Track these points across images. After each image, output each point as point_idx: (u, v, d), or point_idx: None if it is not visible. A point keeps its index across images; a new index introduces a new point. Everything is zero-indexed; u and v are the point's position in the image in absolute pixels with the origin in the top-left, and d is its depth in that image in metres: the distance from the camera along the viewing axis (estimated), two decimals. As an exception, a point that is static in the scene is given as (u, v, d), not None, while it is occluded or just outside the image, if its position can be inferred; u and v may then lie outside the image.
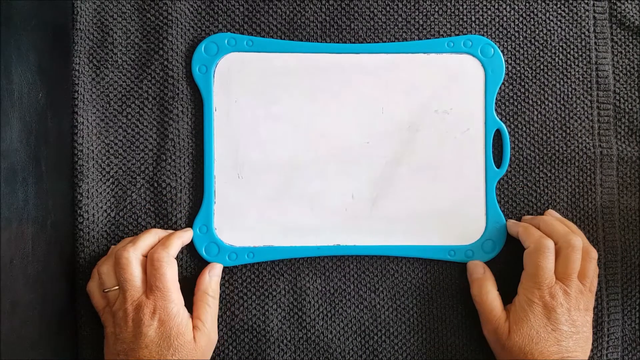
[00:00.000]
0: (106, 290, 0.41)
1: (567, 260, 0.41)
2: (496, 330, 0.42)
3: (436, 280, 0.45)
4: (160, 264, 0.40)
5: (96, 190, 0.44)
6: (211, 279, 0.43)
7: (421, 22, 0.46)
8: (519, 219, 0.46)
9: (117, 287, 0.41)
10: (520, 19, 0.47)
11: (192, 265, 0.45)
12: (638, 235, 0.46)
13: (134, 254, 0.40)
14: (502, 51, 0.46)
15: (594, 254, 0.43)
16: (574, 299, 0.41)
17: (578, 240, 0.42)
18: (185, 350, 0.39)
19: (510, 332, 0.41)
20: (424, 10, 0.46)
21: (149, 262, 0.40)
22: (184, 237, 0.43)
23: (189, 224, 0.45)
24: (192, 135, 0.45)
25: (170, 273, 0.40)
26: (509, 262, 0.45)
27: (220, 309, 0.45)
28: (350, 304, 0.45)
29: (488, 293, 0.43)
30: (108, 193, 0.45)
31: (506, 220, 0.45)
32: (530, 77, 0.46)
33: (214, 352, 0.44)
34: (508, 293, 0.46)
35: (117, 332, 0.39)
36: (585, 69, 0.47)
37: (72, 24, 0.45)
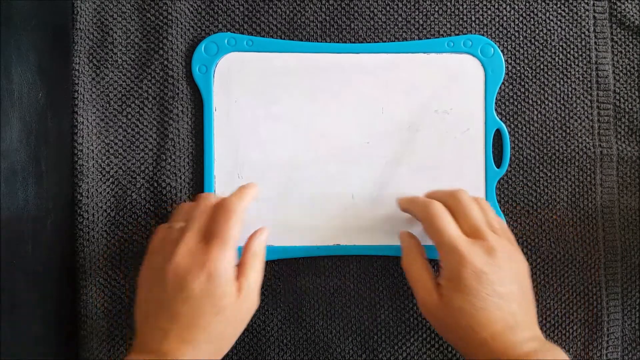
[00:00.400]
0: (169, 226, 0.38)
1: (465, 213, 0.38)
2: (425, 302, 0.38)
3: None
4: (232, 214, 0.36)
5: (96, 190, 0.44)
6: (260, 243, 0.39)
7: (421, 22, 0.46)
8: (519, 219, 0.46)
9: (181, 224, 0.38)
10: (520, 18, 0.46)
11: (192, 265, 0.45)
12: (638, 235, 0.46)
13: (215, 198, 0.38)
14: (502, 51, 0.46)
15: (483, 201, 0.40)
16: (499, 252, 0.36)
17: (461, 190, 0.39)
18: (227, 313, 0.36)
19: (442, 307, 0.37)
20: (424, 10, 0.46)
21: (220, 209, 0.37)
22: (254, 192, 0.40)
23: (189, 223, 0.45)
24: (192, 135, 0.45)
25: (237, 228, 0.37)
26: (509, 262, 0.46)
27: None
28: (350, 303, 0.45)
29: (414, 262, 0.40)
30: (108, 193, 0.45)
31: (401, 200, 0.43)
32: (530, 77, 0.46)
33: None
34: (508, 293, 0.46)
35: (159, 276, 0.36)
36: (585, 69, 0.47)
37: (72, 23, 0.45)
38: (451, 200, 0.39)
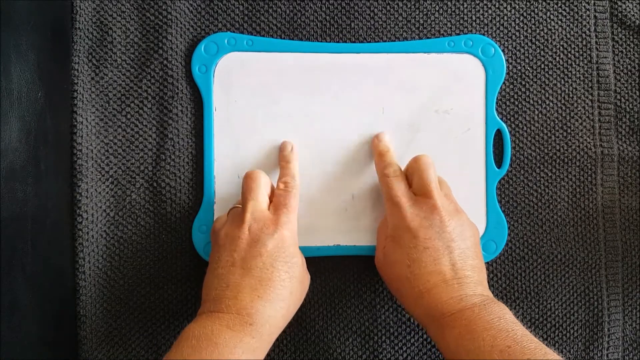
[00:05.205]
0: (232, 208, 0.41)
1: (420, 171, 0.39)
2: (376, 256, 0.41)
3: (436, 280, 0.45)
4: (293, 189, 0.40)
5: (95, 190, 0.44)
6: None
7: (421, 22, 0.46)
8: (520, 219, 0.46)
9: (237, 205, 0.41)
10: (521, 18, 0.46)
11: (191, 265, 0.45)
12: (639, 235, 0.46)
13: (263, 172, 0.41)
14: (503, 50, 0.46)
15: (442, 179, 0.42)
16: (442, 210, 0.38)
17: (425, 155, 0.40)
18: (297, 271, 0.38)
19: (384, 259, 0.40)
20: (425, 10, 0.46)
21: (282, 185, 0.40)
22: (297, 160, 0.43)
23: (189, 224, 0.45)
24: (192, 135, 0.45)
25: (297, 200, 0.40)
26: (510, 262, 0.45)
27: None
28: (350, 304, 0.45)
29: (382, 226, 0.42)
30: (107, 193, 0.44)
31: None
32: (531, 77, 0.46)
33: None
34: (510, 293, 0.46)
35: (229, 242, 0.38)
36: (586, 69, 0.46)
37: (71, 23, 0.45)
38: (413, 162, 0.41)
